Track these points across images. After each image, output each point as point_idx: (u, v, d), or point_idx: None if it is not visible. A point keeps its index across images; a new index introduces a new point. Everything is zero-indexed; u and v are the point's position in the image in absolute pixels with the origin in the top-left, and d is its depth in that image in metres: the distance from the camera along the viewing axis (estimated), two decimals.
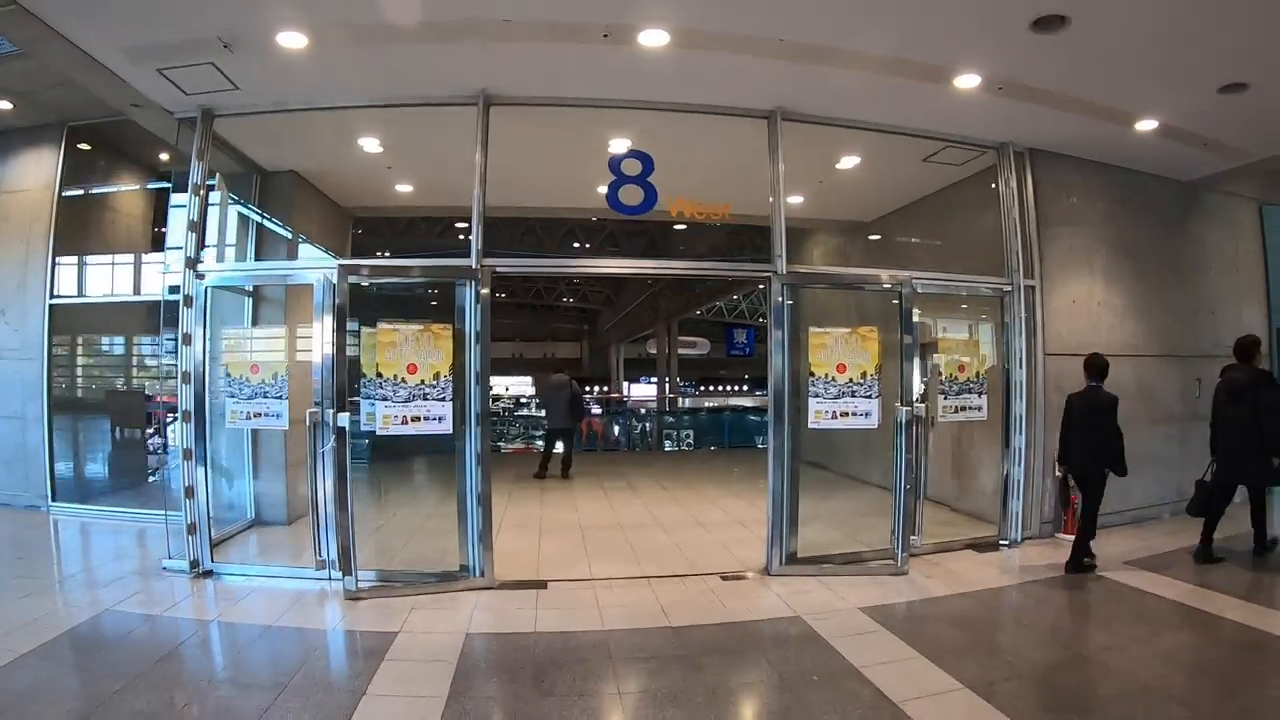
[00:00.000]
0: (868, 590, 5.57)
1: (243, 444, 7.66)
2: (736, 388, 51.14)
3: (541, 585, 5.66)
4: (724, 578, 5.82)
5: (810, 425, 5.78)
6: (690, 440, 23.31)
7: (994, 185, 7.51)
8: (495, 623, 4.96)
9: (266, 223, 8.15)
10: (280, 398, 5.93)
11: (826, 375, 5.76)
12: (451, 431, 5.49)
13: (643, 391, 46.58)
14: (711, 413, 26.85)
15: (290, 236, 8.30)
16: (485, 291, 5.58)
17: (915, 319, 6.15)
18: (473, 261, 5.66)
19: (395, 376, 5.42)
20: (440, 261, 5.81)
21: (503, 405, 34.56)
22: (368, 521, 8.06)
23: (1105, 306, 7.93)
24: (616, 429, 22.36)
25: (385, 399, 5.41)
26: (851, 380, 5.77)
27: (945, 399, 6.66)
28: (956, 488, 8.43)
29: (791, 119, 6.36)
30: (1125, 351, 7.97)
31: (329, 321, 5.52)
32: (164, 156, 8.77)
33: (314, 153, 7.72)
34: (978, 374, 6.90)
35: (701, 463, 13.43)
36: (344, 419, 5.35)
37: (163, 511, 7.29)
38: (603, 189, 6.04)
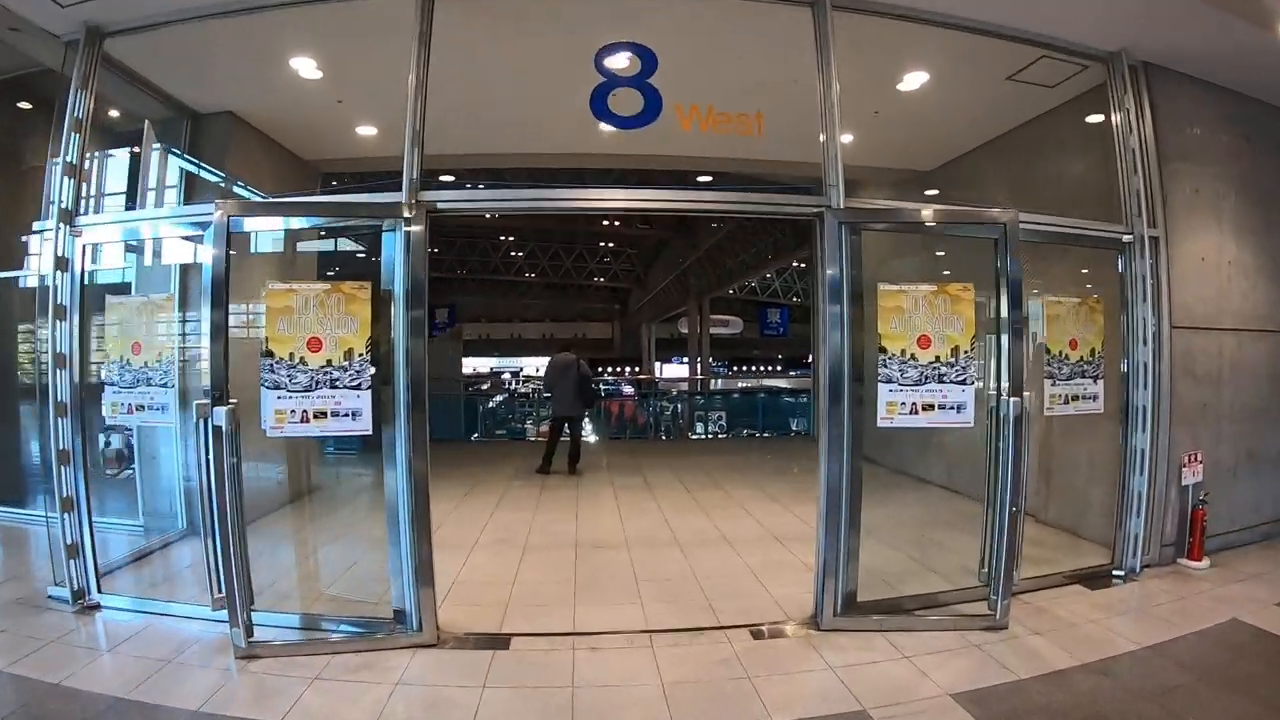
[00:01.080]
0: (958, 659, 3.78)
1: (171, 440, 6.17)
2: (770, 368, 49.16)
3: (503, 643, 3.97)
4: (755, 633, 4.05)
5: (880, 423, 3.95)
6: (722, 421, 21.53)
7: (1087, 119, 5.77)
8: (418, 712, 3.29)
9: (206, 175, 6.60)
10: (165, 385, 4.37)
11: (903, 352, 3.92)
12: (371, 432, 3.82)
13: (675, 372, 44.89)
14: (745, 394, 24.99)
15: (240, 193, 6.72)
16: (419, 234, 3.86)
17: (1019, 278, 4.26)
18: (403, 195, 3.95)
19: (291, 356, 3.74)
20: (358, 198, 4.11)
21: (532, 387, 33.19)
22: (329, 532, 6.49)
23: (1236, 266, 5.97)
24: (647, 414, 20.45)
25: (278, 387, 3.75)
26: (939, 359, 3.93)
27: (1054, 385, 4.80)
28: (1044, 493, 6.55)
29: (844, 7, 4.51)
30: (1259, 325, 6.04)
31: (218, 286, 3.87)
32: (114, 113, 7.29)
33: (246, 85, 6.08)
34: (1093, 352, 5.02)
35: (732, 453, 11.63)
36: (221, 415, 3.70)
37: (113, 518, 6.01)
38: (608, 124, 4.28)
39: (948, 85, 6.08)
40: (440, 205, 3.97)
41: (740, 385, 38.18)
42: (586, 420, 23.42)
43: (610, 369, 48.98)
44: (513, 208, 4.17)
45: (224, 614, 4.06)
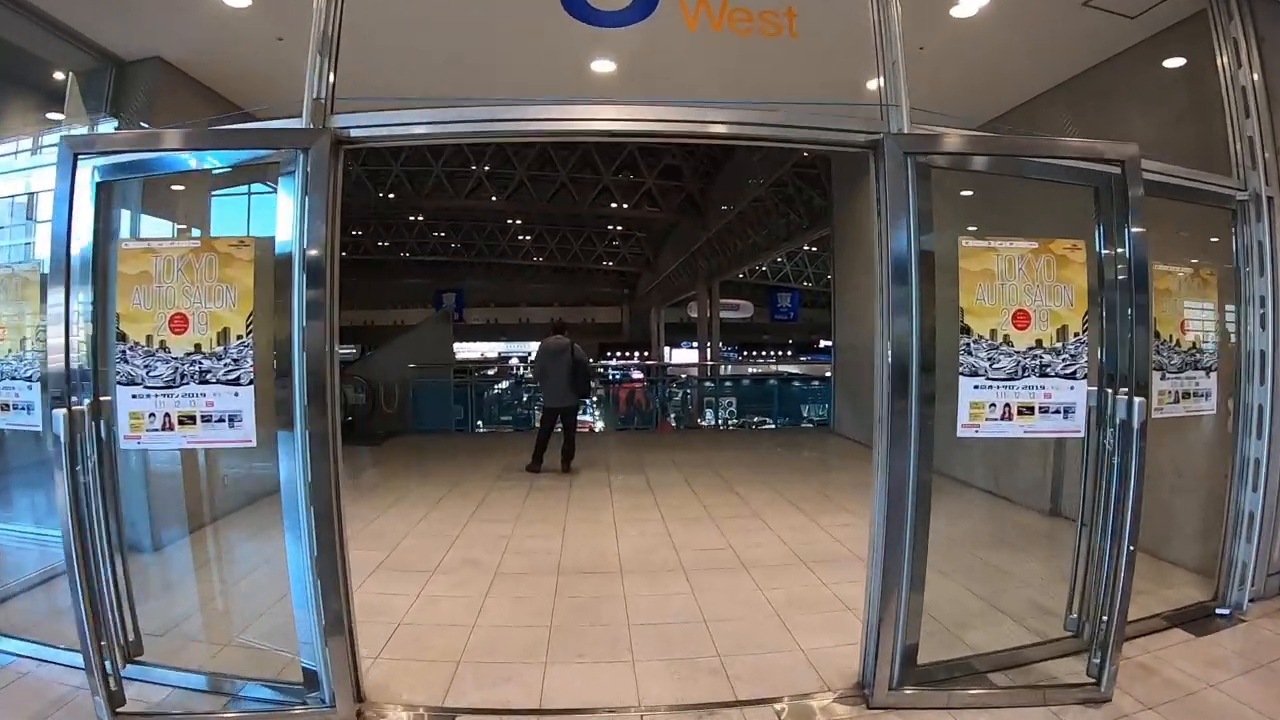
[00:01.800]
0: None
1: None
2: (780, 353, 47.99)
3: None
4: (783, 714, 2.99)
5: (961, 431, 2.84)
6: (732, 408, 20.40)
7: (1165, 64, 4.90)
8: None
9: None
10: (30, 379, 3.36)
11: (993, 334, 2.81)
12: (255, 443, 2.75)
13: (684, 357, 43.79)
14: (757, 381, 23.85)
15: None
16: (324, 172, 2.76)
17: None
18: (304, 118, 2.87)
19: (149, 340, 2.68)
20: (247, 126, 3.04)
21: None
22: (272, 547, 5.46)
23: None
24: (654, 400, 19.17)
25: (132, 381, 2.69)
26: (1040, 344, 2.83)
27: (1163, 378, 3.67)
28: None
29: None
30: None
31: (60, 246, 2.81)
32: (58, 75, 6.27)
33: (170, 22, 5.02)
34: (1203, 338, 3.91)
35: (744, 447, 10.46)
36: (59, 419, 2.66)
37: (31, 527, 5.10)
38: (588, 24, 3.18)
39: (1011, 12, 4.96)
40: (355, 132, 2.86)
41: (751, 371, 36.98)
42: (595, 406, 22.32)
43: (619, 353, 47.98)
44: (460, 132, 3.07)
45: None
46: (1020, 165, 3.09)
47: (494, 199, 30.66)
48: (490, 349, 45.47)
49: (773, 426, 12.85)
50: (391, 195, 31.37)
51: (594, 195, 29.07)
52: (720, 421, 17.26)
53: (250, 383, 2.67)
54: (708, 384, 24.83)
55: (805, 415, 18.02)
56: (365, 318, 48.37)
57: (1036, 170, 3.19)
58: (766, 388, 18.82)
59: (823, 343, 49.48)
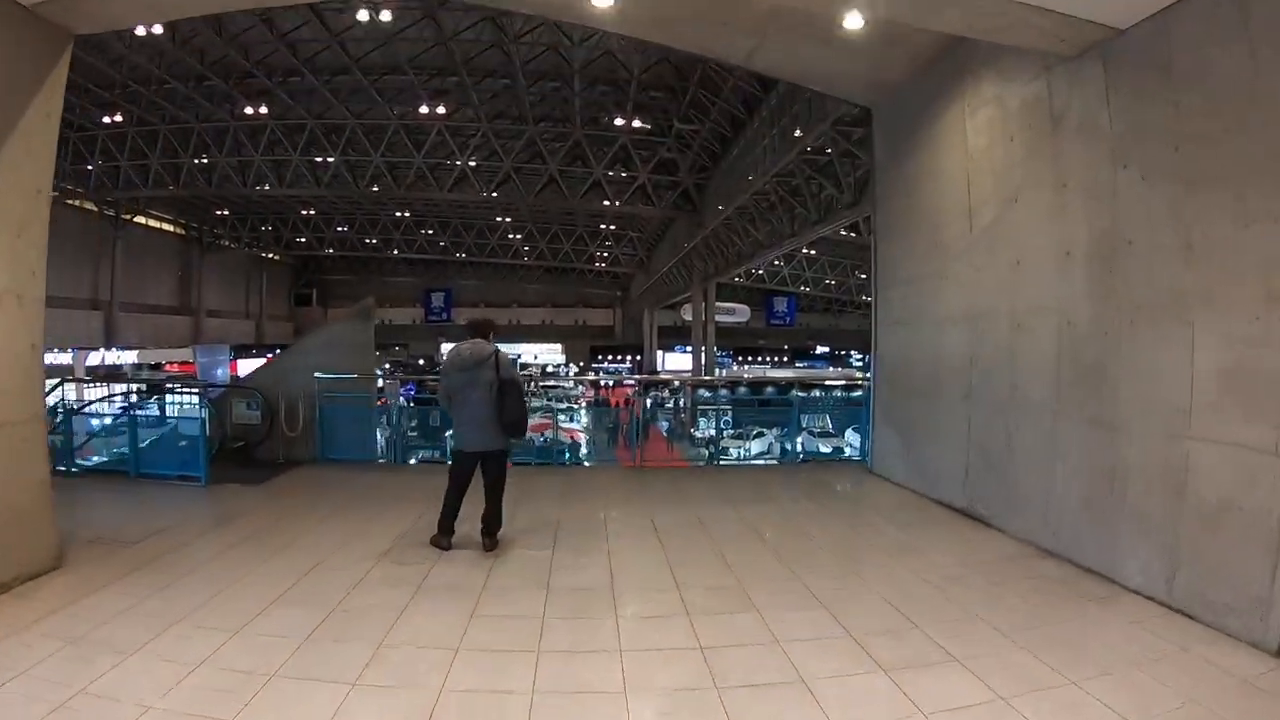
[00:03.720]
0: None
1: None
2: (775, 358, 45.31)
3: None
4: None
5: None
6: (728, 420, 17.47)
7: None
8: None
9: None
10: None
11: None
12: None
13: (677, 362, 41.10)
14: (756, 395, 20.79)
15: None
16: None
17: None
18: None
19: None
20: None
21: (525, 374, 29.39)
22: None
23: None
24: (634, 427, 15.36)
25: None
26: None
27: None
28: None
29: None
30: None
31: None
32: None
33: None
34: None
35: (754, 495, 6.99)
36: None
37: None
38: None
39: None
40: None
41: (747, 376, 34.19)
42: (583, 413, 19.24)
43: (611, 356, 45.27)
44: None
45: None
46: None
47: (482, 194, 28.13)
48: None
49: (793, 457, 9.81)
50: (375, 188, 28.74)
51: (585, 190, 26.44)
52: (720, 438, 14.17)
53: None
54: (703, 391, 22.03)
55: (825, 424, 15.23)
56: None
57: None
58: (781, 403, 14.40)
59: (818, 349, 46.84)
